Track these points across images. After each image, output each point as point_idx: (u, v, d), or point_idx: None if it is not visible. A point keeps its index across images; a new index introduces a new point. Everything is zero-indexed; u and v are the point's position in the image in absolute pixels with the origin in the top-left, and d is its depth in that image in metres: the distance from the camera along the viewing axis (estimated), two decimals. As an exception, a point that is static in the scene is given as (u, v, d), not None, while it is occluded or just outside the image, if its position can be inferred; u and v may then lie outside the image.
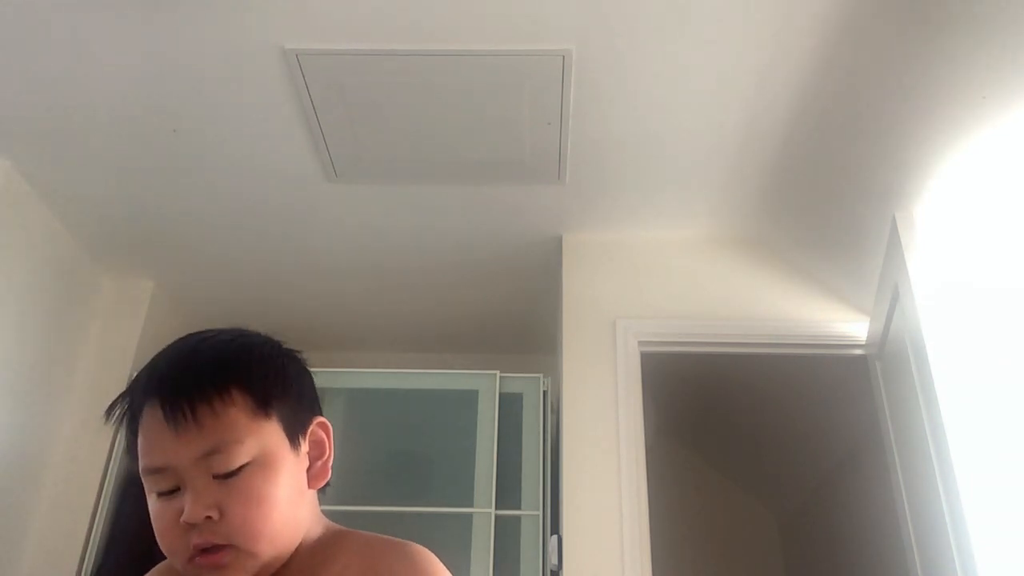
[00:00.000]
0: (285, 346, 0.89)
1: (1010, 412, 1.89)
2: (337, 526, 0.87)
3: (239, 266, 2.93)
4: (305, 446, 0.84)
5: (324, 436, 0.87)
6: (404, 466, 2.67)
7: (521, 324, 3.29)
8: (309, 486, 0.84)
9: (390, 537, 0.84)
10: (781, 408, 3.42)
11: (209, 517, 0.75)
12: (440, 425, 2.69)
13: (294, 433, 0.82)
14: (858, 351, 2.50)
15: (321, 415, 0.88)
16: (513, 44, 1.95)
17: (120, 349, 2.84)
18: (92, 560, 2.53)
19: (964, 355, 1.85)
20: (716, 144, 2.29)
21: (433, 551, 0.82)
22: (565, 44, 1.95)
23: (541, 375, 2.73)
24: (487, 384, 2.69)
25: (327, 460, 0.86)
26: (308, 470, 0.84)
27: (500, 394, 2.67)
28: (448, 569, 0.81)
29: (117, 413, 0.82)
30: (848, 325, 2.52)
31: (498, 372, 2.71)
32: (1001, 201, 1.91)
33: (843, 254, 2.47)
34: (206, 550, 0.75)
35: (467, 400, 2.68)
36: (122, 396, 0.82)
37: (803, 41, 1.91)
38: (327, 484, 0.87)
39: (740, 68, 2.01)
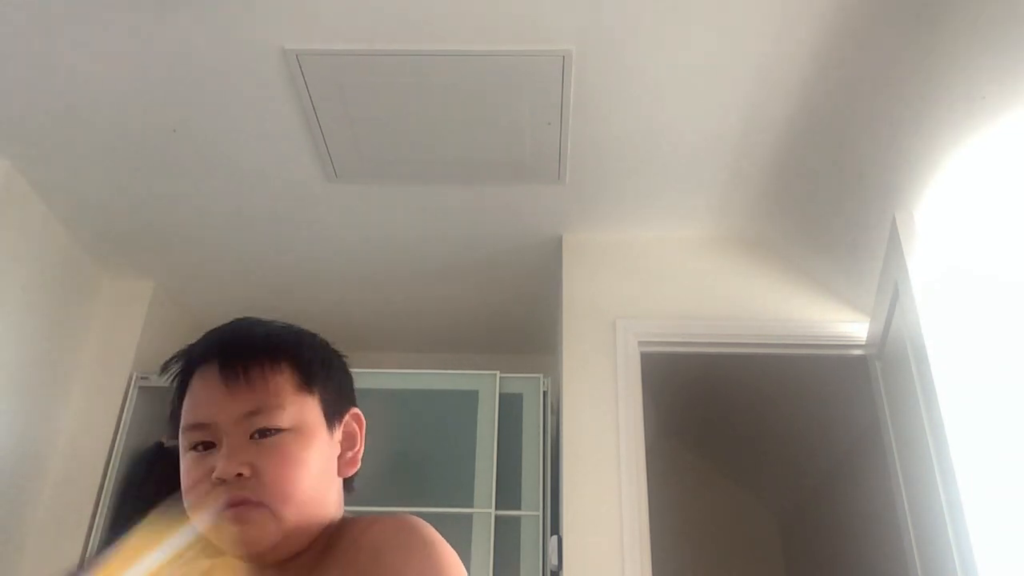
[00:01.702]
0: (330, 344, 0.96)
1: (1010, 412, 1.89)
2: (350, 515, 0.91)
3: (239, 266, 2.93)
4: (339, 434, 0.89)
5: (357, 429, 0.91)
6: (404, 466, 2.66)
7: (521, 324, 3.29)
8: (338, 473, 0.88)
9: (390, 516, 0.87)
10: (781, 408, 3.41)
11: (240, 474, 0.78)
12: (440, 425, 2.69)
13: (332, 416, 0.88)
14: (858, 351, 2.50)
15: (356, 406, 0.93)
16: (513, 44, 1.95)
17: (120, 349, 2.84)
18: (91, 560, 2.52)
19: (964, 355, 1.85)
20: (716, 144, 2.29)
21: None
22: (565, 44, 1.95)
23: (541, 375, 2.73)
24: (487, 384, 2.69)
25: (357, 452, 0.90)
26: (339, 458, 0.88)
27: (500, 394, 2.67)
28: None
29: (173, 371, 0.87)
30: (848, 325, 2.52)
31: (498, 372, 2.71)
32: (1001, 201, 1.91)
33: (843, 254, 2.47)
34: (234, 504, 0.78)
35: (467, 400, 2.68)
36: (179, 356, 0.88)
37: (802, 41, 1.91)
38: (355, 479, 0.91)
39: (740, 68, 2.01)
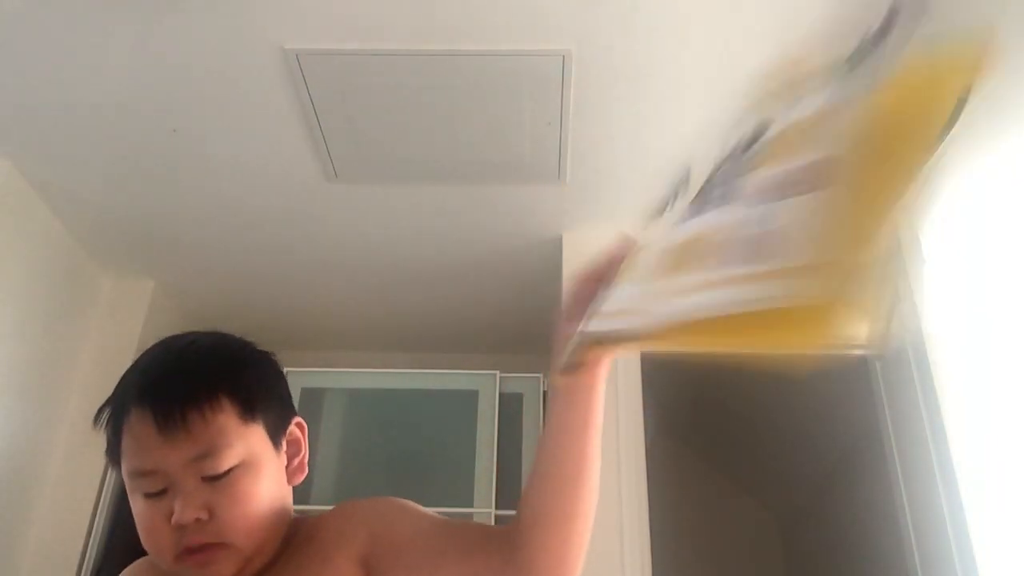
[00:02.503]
0: (260, 348, 0.92)
1: (1010, 412, 1.89)
2: (301, 516, 0.92)
3: (239, 266, 2.93)
4: (284, 447, 0.88)
5: (300, 435, 0.91)
6: (404, 466, 2.67)
7: (521, 324, 3.28)
8: (289, 482, 0.88)
9: None
10: (781, 408, 3.41)
11: (199, 519, 0.77)
12: (440, 425, 2.69)
13: (277, 435, 0.86)
14: (858, 351, 2.50)
15: (296, 414, 0.92)
16: (513, 44, 1.95)
17: (120, 349, 2.84)
18: (91, 560, 2.53)
19: (964, 355, 1.85)
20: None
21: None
22: (565, 44, 1.95)
23: (541, 375, 2.73)
24: (487, 384, 2.69)
25: (303, 457, 0.90)
26: (287, 467, 0.88)
27: (500, 394, 2.67)
28: None
29: (105, 416, 0.85)
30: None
31: (498, 372, 2.71)
32: (1001, 201, 1.91)
33: (843, 254, 2.46)
34: (192, 548, 0.78)
35: (467, 400, 2.68)
36: (110, 399, 0.85)
37: (803, 41, 1.90)
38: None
39: (740, 68, 2.01)
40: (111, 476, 2.66)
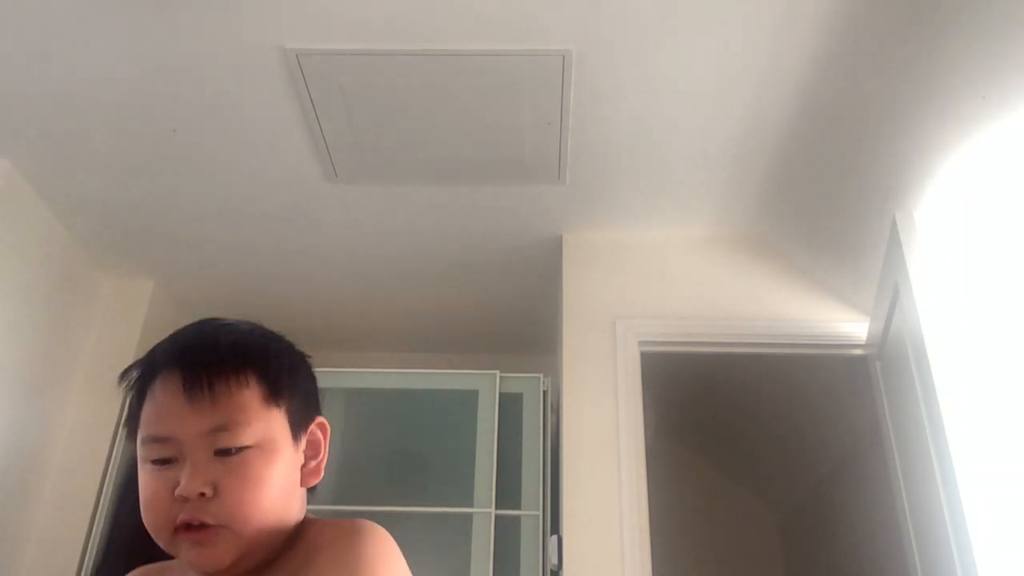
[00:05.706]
0: (296, 347, 0.92)
1: (1010, 412, 1.89)
2: (311, 517, 0.89)
3: (238, 266, 2.93)
4: (303, 444, 0.87)
5: (321, 437, 0.89)
6: (404, 466, 2.67)
7: (521, 324, 3.29)
8: (301, 483, 0.86)
9: (346, 519, 0.86)
10: (781, 408, 3.41)
11: (203, 494, 0.76)
12: (440, 425, 2.69)
13: (297, 428, 0.85)
14: (858, 351, 2.50)
15: (321, 414, 0.91)
16: (513, 44, 1.95)
17: (120, 349, 2.84)
18: (92, 559, 2.53)
19: (964, 355, 1.85)
20: (716, 144, 2.29)
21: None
22: (565, 44, 1.95)
23: (541, 375, 2.73)
24: (487, 384, 2.69)
25: (321, 461, 0.89)
26: (303, 467, 0.86)
27: (500, 394, 2.67)
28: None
29: (131, 377, 0.84)
30: (848, 325, 2.52)
31: (498, 372, 2.71)
32: (1001, 201, 1.91)
33: (843, 254, 2.47)
34: (191, 526, 0.76)
35: (467, 400, 2.68)
36: (139, 362, 0.85)
37: (803, 41, 1.91)
38: (318, 484, 0.89)
39: (740, 68, 2.01)
40: (111, 476, 2.66)
